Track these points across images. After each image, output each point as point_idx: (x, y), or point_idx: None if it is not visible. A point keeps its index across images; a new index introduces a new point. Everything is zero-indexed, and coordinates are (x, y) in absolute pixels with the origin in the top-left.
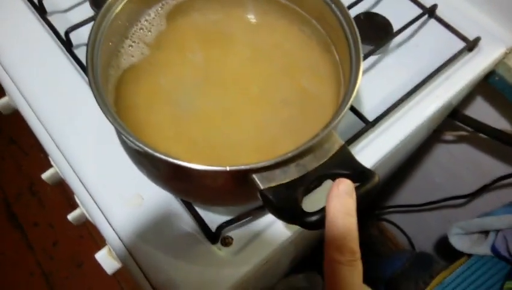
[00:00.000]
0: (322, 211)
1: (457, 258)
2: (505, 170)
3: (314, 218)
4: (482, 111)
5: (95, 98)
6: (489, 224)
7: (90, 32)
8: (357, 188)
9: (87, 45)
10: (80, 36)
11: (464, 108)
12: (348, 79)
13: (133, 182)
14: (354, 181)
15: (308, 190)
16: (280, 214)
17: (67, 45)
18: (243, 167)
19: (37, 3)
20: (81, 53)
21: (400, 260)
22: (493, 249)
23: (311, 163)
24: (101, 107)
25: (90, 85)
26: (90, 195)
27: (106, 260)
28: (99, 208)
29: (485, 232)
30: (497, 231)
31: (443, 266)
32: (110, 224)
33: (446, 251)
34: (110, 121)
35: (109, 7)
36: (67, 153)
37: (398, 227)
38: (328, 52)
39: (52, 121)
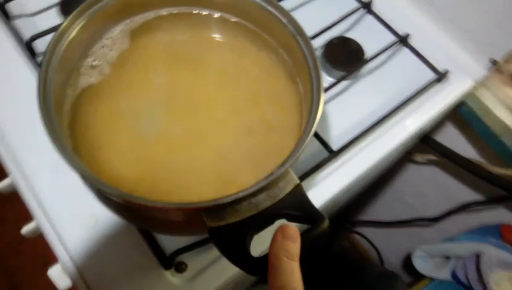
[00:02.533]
0: (266, 257)
1: (422, 276)
2: (471, 195)
3: (257, 264)
4: (452, 137)
5: (45, 128)
6: (451, 250)
7: (43, 60)
8: (305, 233)
9: (38, 77)
10: (46, 43)
11: (435, 133)
12: (309, 113)
13: (88, 201)
14: (305, 223)
15: (259, 229)
16: (226, 254)
17: (30, 52)
18: (190, 206)
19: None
20: None
21: (365, 275)
22: (453, 275)
23: (263, 202)
24: (50, 137)
25: (40, 115)
26: (44, 211)
27: (59, 276)
28: (51, 225)
29: (447, 257)
30: (458, 257)
31: (407, 288)
32: (62, 243)
33: (413, 267)
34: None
35: (63, 32)
36: (22, 165)
37: (368, 240)
38: (294, 82)
39: (9, 131)
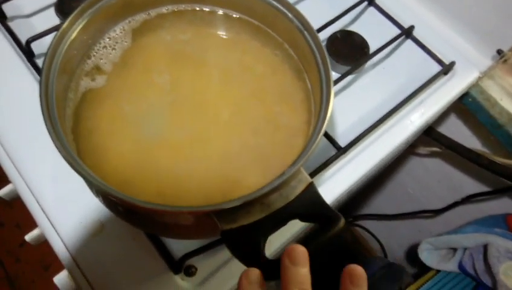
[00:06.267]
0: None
1: (427, 267)
2: (475, 186)
3: (274, 267)
4: (455, 128)
5: (50, 134)
6: (457, 242)
7: (43, 63)
8: (321, 234)
9: (40, 80)
10: (44, 45)
11: (438, 125)
12: (319, 109)
13: (93, 207)
14: (319, 223)
15: (273, 230)
16: (240, 258)
17: (28, 54)
18: (203, 209)
19: None
20: None
21: (370, 269)
22: (460, 266)
23: (276, 202)
24: (56, 145)
25: (44, 121)
26: (48, 219)
27: (65, 283)
28: (56, 232)
29: (453, 249)
30: (465, 248)
31: (412, 280)
32: (68, 249)
33: (417, 258)
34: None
35: (63, 34)
36: (25, 172)
37: (371, 233)
38: (301, 79)
39: (9, 136)
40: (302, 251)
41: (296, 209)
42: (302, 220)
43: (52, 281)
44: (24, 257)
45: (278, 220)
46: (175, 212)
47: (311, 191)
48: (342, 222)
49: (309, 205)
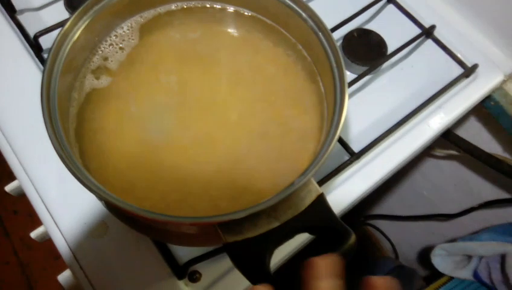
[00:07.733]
0: (288, 277)
1: (441, 273)
2: (492, 192)
3: (280, 285)
4: (475, 131)
5: (50, 139)
6: (473, 249)
7: (45, 67)
8: (329, 250)
9: (41, 85)
10: (52, 39)
11: (457, 127)
12: (332, 114)
13: (99, 207)
14: (328, 238)
15: (279, 243)
16: (244, 271)
17: (36, 49)
18: (205, 221)
19: (5, 0)
20: None
21: (381, 270)
22: (475, 275)
23: (284, 214)
24: (56, 151)
25: (45, 125)
26: (53, 219)
27: (68, 283)
28: (61, 233)
29: (468, 255)
30: (481, 256)
31: (424, 284)
32: (72, 250)
33: (429, 261)
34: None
35: (66, 33)
36: (30, 169)
37: (382, 233)
38: (314, 81)
39: (16, 134)
40: (334, 259)
41: (305, 222)
42: (310, 233)
43: (63, 269)
44: (36, 245)
45: (285, 233)
46: (177, 223)
47: (320, 203)
48: (353, 238)
49: (318, 217)
